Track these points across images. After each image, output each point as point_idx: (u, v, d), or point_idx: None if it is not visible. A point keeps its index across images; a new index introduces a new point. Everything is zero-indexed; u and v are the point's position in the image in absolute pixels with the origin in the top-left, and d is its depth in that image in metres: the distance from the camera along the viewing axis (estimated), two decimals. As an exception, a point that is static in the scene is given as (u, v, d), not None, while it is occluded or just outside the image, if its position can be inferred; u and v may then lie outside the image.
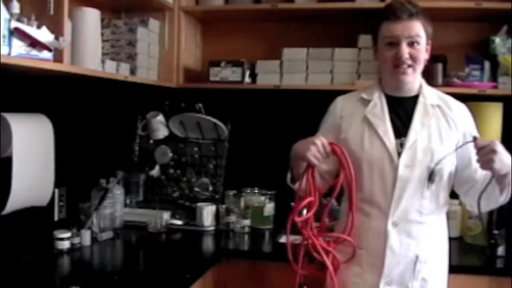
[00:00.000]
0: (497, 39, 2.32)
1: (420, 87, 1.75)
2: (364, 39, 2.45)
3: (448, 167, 1.71)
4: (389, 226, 1.66)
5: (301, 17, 2.60)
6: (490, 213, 2.11)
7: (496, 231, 2.11)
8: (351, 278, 1.71)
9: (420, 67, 1.70)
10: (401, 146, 1.68)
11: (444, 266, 1.75)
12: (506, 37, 2.32)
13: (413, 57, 1.65)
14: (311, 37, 2.62)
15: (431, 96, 1.75)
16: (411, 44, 1.65)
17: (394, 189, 1.66)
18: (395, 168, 1.66)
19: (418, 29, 1.65)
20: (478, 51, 2.45)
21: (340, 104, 1.82)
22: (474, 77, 2.35)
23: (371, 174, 1.69)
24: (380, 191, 1.68)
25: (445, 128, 1.71)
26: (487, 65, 2.35)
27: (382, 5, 2.31)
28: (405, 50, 1.64)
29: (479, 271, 1.97)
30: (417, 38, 1.65)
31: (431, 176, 1.64)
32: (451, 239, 1.83)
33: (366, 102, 1.76)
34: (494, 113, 2.32)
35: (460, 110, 1.76)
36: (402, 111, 1.73)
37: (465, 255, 2.13)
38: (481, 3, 2.25)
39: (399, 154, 1.67)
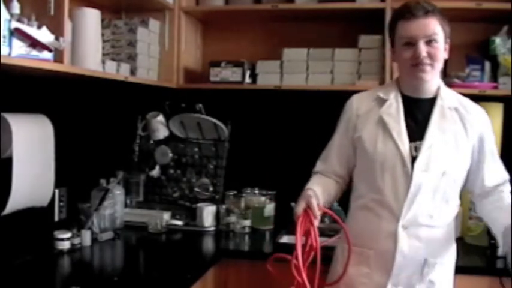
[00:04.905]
0: (498, 40, 2.32)
1: (438, 88, 1.71)
2: (365, 40, 2.45)
3: (460, 171, 1.69)
4: (400, 229, 1.63)
5: (301, 17, 2.60)
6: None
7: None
8: (358, 278, 1.69)
9: (439, 66, 1.65)
10: (415, 149, 1.65)
11: (451, 268, 1.74)
12: (507, 37, 2.32)
13: (431, 56, 1.61)
14: (311, 37, 2.61)
15: (449, 99, 1.71)
16: (429, 42, 1.61)
17: (407, 192, 1.62)
18: (407, 172, 1.63)
19: (435, 26, 1.61)
20: (479, 52, 2.45)
21: (355, 103, 1.78)
22: (474, 77, 2.35)
23: (383, 175, 1.66)
24: (391, 193, 1.65)
25: (460, 132, 1.67)
26: (487, 65, 2.35)
27: (382, 5, 2.33)
28: (423, 48, 1.60)
29: (480, 271, 1.96)
30: (434, 35, 1.61)
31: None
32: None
33: (381, 102, 1.72)
34: (495, 114, 2.31)
35: (478, 114, 1.72)
36: (419, 113, 1.69)
37: (466, 255, 2.12)
38: (481, 4, 2.25)
39: (413, 158, 1.64)
